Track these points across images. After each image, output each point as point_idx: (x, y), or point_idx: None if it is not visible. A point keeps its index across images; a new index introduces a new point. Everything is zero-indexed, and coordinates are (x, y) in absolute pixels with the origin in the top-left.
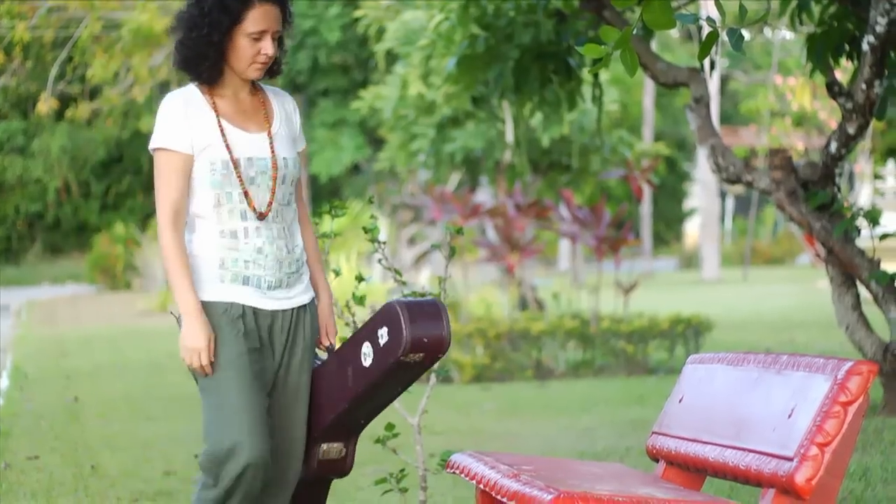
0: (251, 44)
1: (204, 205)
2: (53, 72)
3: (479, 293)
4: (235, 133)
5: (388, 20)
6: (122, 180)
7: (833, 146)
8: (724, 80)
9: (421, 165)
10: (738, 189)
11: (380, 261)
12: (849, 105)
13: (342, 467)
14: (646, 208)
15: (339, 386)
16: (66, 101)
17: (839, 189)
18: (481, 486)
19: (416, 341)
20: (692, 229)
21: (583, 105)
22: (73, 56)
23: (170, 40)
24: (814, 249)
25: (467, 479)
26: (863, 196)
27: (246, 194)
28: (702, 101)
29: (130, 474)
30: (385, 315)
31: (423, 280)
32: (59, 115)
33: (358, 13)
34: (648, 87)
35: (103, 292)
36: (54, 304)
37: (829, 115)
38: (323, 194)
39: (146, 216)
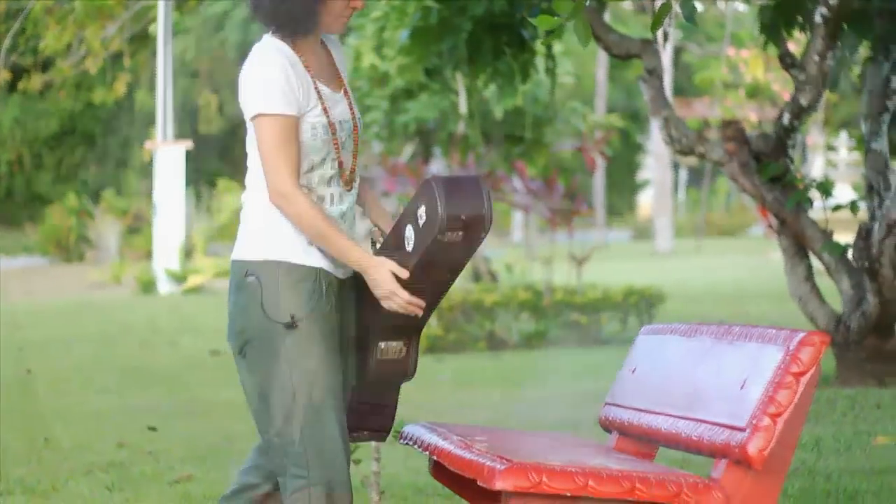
0: None
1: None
2: (6, 43)
3: None
4: (327, 94)
5: None
6: (74, 152)
7: (786, 118)
8: (678, 52)
9: (374, 137)
10: (692, 160)
11: None
12: (802, 77)
13: (404, 368)
14: (599, 180)
15: None
16: (18, 73)
17: (792, 161)
18: (434, 456)
19: (452, 217)
20: (645, 200)
21: (536, 77)
22: (25, 27)
23: (123, 12)
24: (767, 221)
25: (420, 450)
26: (815, 167)
27: (341, 163)
28: (655, 73)
29: (83, 446)
30: (422, 193)
31: None
32: (11, 86)
33: None
34: (602, 59)
35: (56, 264)
36: (7, 275)
37: (783, 86)
38: None
39: (99, 188)
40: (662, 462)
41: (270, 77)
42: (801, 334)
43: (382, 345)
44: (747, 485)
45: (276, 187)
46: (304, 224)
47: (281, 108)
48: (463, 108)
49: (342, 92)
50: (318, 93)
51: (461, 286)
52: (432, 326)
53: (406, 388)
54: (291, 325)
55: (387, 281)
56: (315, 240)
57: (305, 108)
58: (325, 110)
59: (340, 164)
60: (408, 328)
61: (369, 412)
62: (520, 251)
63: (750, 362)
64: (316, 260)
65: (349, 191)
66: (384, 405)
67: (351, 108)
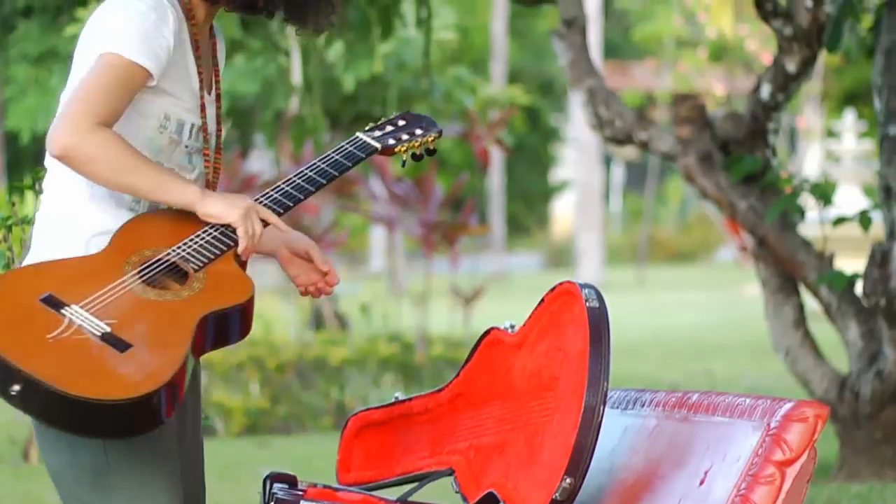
0: None
1: None
2: None
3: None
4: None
5: None
6: None
7: (765, 90)
8: None
9: None
10: (630, 153)
11: None
12: (787, 30)
13: None
14: (496, 181)
15: None
16: None
17: (774, 152)
18: None
19: None
20: (564, 211)
21: (403, 31)
22: None
23: None
24: (738, 240)
25: None
26: (810, 162)
27: (208, 182)
28: (575, 25)
29: None
30: None
31: None
32: None
33: None
34: (499, 7)
35: None
36: None
37: (761, 44)
38: (25, 159)
39: None
40: None
41: (138, 19)
42: (788, 405)
43: None
44: None
45: (72, 125)
46: (109, 165)
47: (136, 56)
48: (297, 76)
49: (214, 96)
50: (195, 80)
51: (296, 337)
52: (253, 397)
53: (215, 486)
54: None
55: (239, 198)
56: (123, 185)
57: (164, 82)
58: (202, 108)
59: (208, 184)
60: None
61: None
62: (381, 285)
63: (714, 446)
64: None
65: None
66: None
67: (219, 121)
